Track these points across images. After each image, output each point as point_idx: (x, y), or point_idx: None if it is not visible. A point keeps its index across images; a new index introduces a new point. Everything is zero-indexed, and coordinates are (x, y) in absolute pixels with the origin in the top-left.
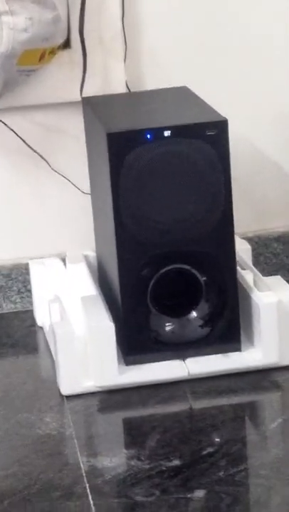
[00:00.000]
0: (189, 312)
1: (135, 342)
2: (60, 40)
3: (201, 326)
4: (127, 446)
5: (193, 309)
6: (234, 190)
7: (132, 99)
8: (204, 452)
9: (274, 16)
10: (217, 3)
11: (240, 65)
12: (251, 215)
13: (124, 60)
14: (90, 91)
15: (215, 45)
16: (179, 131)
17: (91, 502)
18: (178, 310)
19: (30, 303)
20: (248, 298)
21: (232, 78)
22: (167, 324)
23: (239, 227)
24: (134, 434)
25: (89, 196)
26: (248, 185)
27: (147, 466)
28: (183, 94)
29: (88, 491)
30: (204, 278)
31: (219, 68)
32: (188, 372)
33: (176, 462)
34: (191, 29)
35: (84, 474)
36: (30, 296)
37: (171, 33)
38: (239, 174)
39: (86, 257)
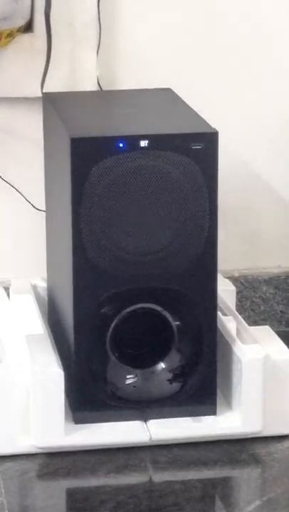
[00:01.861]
0: (156, 363)
1: (88, 395)
2: (21, 22)
3: (170, 381)
4: None
5: (162, 360)
6: (220, 219)
7: (104, 99)
8: None
9: (275, 11)
10: None
11: (237, 66)
12: (239, 249)
13: (97, 52)
14: (53, 86)
15: (208, 40)
16: (158, 141)
17: None
18: (142, 359)
19: None
20: (228, 350)
21: (226, 81)
22: (128, 376)
23: (223, 263)
24: (80, 508)
25: (43, 214)
26: (238, 214)
27: None
28: (166, 98)
29: None
30: (177, 323)
31: (212, 68)
32: (150, 437)
33: None
34: (180, 18)
35: None
36: None
37: (156, 22)
38: (228, 199)
39: (34, 288)
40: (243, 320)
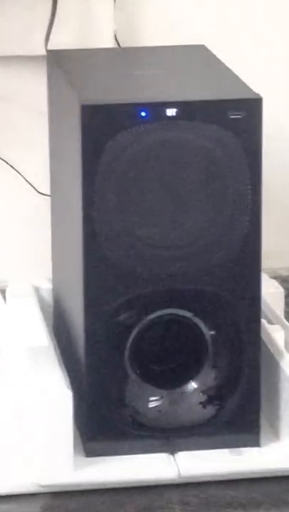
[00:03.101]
0: (186, 382)
1: (102, 422)
2: None
3: (203, 405)
4: None
5: (193, 378)
6: (265, 203)
7: (123, 58)
8: None
9: None
10: None
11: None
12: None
13: (115, 2)
14: (60, 42)
15: None
16: (189, 110)
17: None
18: (169, 378)
19: None
20: (275, 366)
21: (271, 37)
22: (152, 398)
23: (269, 259)
24: None
25: (47, 199)
26: (287, 197)
27: None
28: (198, 57)
29: None
30: (212, 332)
31: (253, 22)
32: (179, 474)
33: None
34: None
35: None
36: None
37: None
38: (273, 179)
39: (37, 290)
40: None
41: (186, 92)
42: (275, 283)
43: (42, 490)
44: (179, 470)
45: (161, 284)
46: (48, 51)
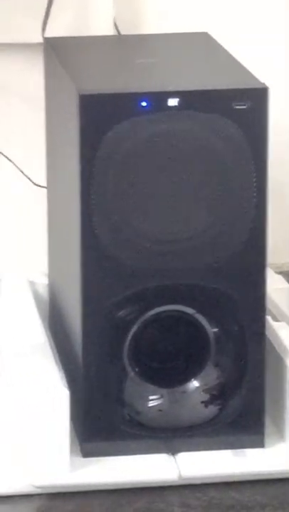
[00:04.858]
0: (188, 381)
1: (100, 421)
2: None
3: (205, 404)
4: None
5: (195, 377)
6: (271, 197)
7: (122, 46)
8: None
9: None
10: None
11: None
12: None
13: None
14: (57, 29)
15: None
16: (191, 99)
17: None
18: (170, 376)
19: None
20: (280, 365)
21: (274, 26)
22: (152, 397)
23: (275, 254)
24: None
25: (44, 191)
26: None
27: None
28: (201, 45)
29: None
30: (215, 329)
31: (257, 9)
32: (180, 475)
33: None
34: None
35: None
36: None
37: None
38: (280, 174)
39: (33, 285)
40: None
41: (188, 82)
42: (281, 279)
43: (38, 491)
44: (179, 471)
45: (162, 280)
46: (44, 39)
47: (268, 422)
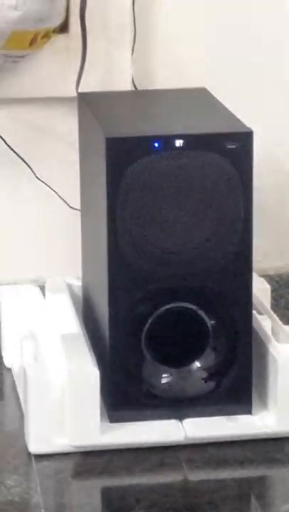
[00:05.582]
0: (191, 362)
1: (123, 394)
2: (57, 23)
3: (205, 380)
4: None
5: (197, 359)
6: (256, 217)
7: (139, 99)
8: None
9: None
10: None
11: (274, 66)
12: (274, 247)
13: (132, 52)
14: (88, 86)
15: (244, 39)
16: (193, 141)
17: None
18: (178, 358)
19: None
20: (263, 349)
21: (263, 82)
22: (164, 375)
23: (258, 262)
24: (115, 507)
25: (78, 212)
26: (273, 212)
27: None
28: (200, 98)
29: None
30: (212, 322)
31: (247, 68)
32: (186, 436)
33: None
34: (215, 17)
35: None
36: None
37: (191, 22)
38: (262, 198)
39: (69, 287)
40: (278, 319)
41: (190, 127)
42: (263, 281)
43: (74, 450)
44: (186, 433)
45: (171, 282)
46: (78, 93)
47: (254, 394)
